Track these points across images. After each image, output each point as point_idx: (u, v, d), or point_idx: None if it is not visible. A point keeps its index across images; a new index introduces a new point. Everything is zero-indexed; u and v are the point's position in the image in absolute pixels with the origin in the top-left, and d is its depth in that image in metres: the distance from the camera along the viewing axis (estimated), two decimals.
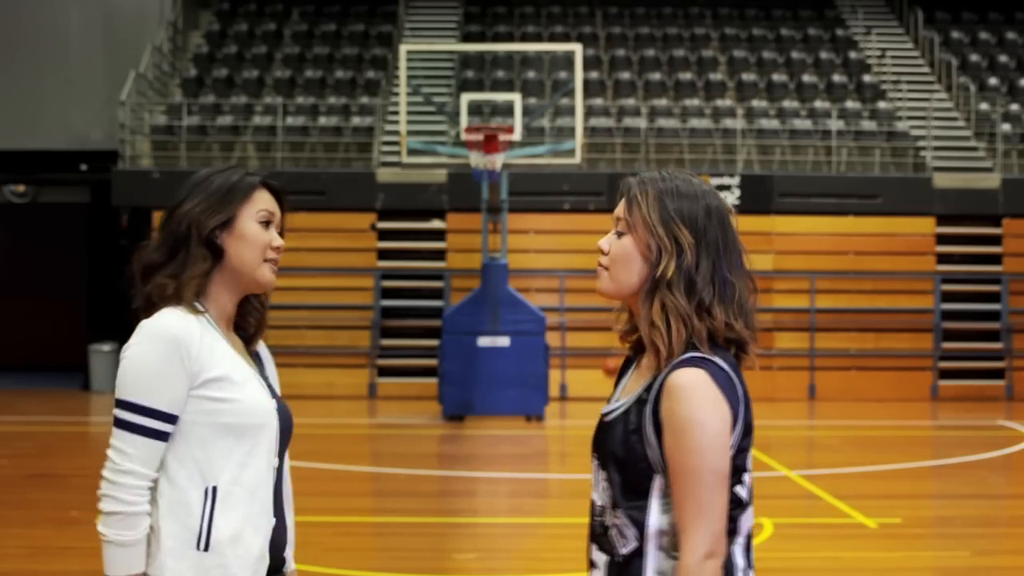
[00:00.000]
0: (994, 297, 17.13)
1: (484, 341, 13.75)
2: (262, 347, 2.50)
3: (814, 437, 12.92)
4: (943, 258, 17.06)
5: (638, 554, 2.10)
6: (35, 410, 15.28)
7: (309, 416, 14.12)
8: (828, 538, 7.57)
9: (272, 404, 2.36)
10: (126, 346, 2.28)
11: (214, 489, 2.26)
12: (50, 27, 19.07)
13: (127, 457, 2.21)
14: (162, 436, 2.24)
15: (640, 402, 2.12)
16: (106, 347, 16.94)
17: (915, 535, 7.89)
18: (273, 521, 2.36)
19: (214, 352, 2.29)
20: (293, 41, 20.34)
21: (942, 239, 17.05)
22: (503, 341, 13.75)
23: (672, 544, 2.08)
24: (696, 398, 2.04)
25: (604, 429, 2.22)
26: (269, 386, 2.41)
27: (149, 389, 2.23)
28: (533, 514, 8.77)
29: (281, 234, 2.42)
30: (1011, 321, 16.96)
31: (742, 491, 2.13)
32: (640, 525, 2.10)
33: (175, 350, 2.24)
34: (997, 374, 17.04)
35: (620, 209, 2.20)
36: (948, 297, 17.04)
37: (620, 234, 2.19)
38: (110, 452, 2.23)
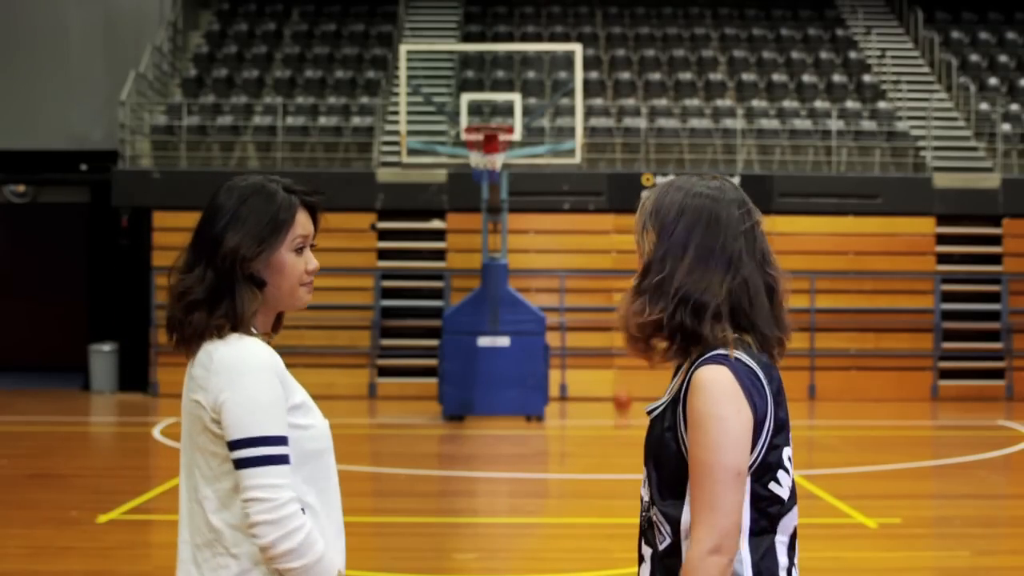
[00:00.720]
0: (994, 297, 17.14)
1: (484, 341, 13.75)
2: None
3: (814, 437, 12.92)
4: (943, 258, 17.06)
5: (674, 551, 2.12)
6: (35, 410, 15.28)
7: None
8: (828, 538, 7.57)
9: (328, 424, 2.42)
10: (227, 385, 2.24)
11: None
12: (50, 27, 19.07)
13: (282, 488, 2.21)
14: (290, 460, 2.26)
15: (674, 401, 2.16)
16: (106, 347, 16.94)
17: (915, 535, 7.89)
18: (343, 538, 2.41)
19: (290, 378, 2.34)
20: (293, 41, 20.35)
21: (942, 239, 17.05)
22: (503, 341, 13.75)
23: None
24: (715, 394, 2.07)
25: (648, 428, 2.25)
26: None
27: (273, 419, 2.24)
28: (533, 514, 8.76)
29: (313, 246, 2.44)
30: (1011, 321, 16.96)
31: (779, 490, 2.14)
32: (674, 522, 2.12)
33: (275, 376, 2.27)
34: (997, 374, 17.04)
35: None
36: (948, 297, 17.04)
37: None
38: (259, 493, 2.19)
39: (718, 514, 2.04)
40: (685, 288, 2.16)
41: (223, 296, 2.31)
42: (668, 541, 2.12)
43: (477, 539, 7.83)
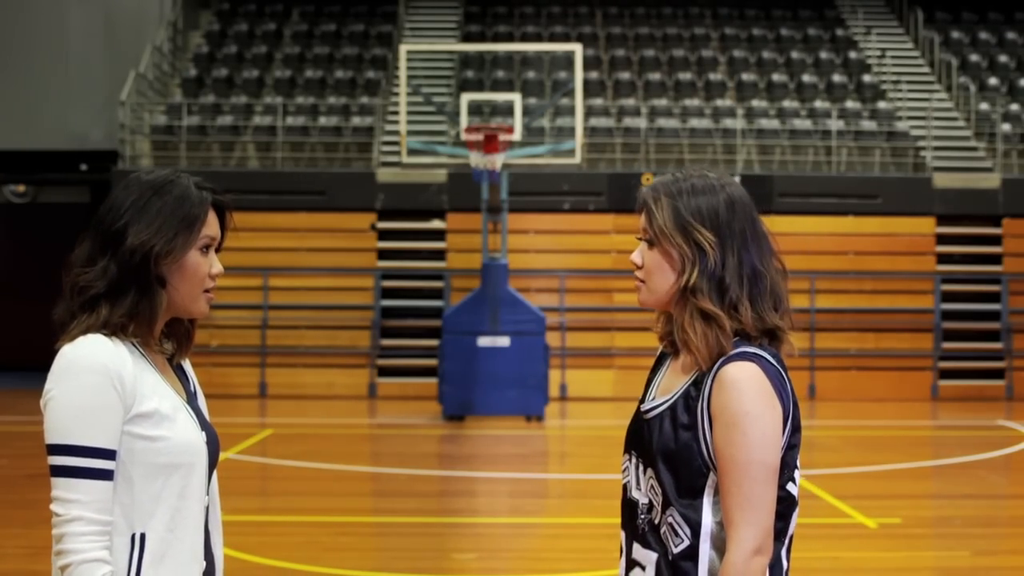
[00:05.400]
0: (994, 297, 17.13)
1: (484, 341, 13.75)
2: (185, 363, 2.34)
3: (814, 437, 12.91)
4: (943, 258, 17.07)
5: (691, 554, 2.07)
6: (35, 410, 15.12)
7: (309, 416, 14.13)
8: (828, 538, 7.56)
9: (202, 438, 2.18)
10: (49, 384, 2.06)
11: (142, 536, 2.08)
12: (50, 27, 19.07)
13: (73, 505, 2.01)
14: (108, 475, 2.04)
15: (688, 397, 2.11)
16: None
17: (915, 535, 7.89)
18: (203, 565, 2.18)
19: (144, 383, 2.11)
20: (293, 41, 20.35)
21: (942, 239, 17.06)
22: (503, 341, 13.75)
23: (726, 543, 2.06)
24: (748, 391, 2.03)
25: (645, 427, 2.18)
26: (197, 412, 2.24)
27: (86, 428, 2.02)
28: (533, 514, 8.76)
29: (220, 248, 2.25)
30: (1011, 321, 16.96)
31: (793, 489, 2.12)
32: (694, 524, 2.07)
33: (108, 381, 2.05)
34: (997, 374, 17.04)
35: (642, 219, 2.19)
36: (948, 297, 17.04)
37: (649, 243, 2.18)
38: (52, 505, 2.02)
39: (759, 513, 2.00)
40: (771, 280, 2.16)
41: (126, 293, 2.12)
42: (686, 544, 2.07)
43: (477, 539, 7.83)
